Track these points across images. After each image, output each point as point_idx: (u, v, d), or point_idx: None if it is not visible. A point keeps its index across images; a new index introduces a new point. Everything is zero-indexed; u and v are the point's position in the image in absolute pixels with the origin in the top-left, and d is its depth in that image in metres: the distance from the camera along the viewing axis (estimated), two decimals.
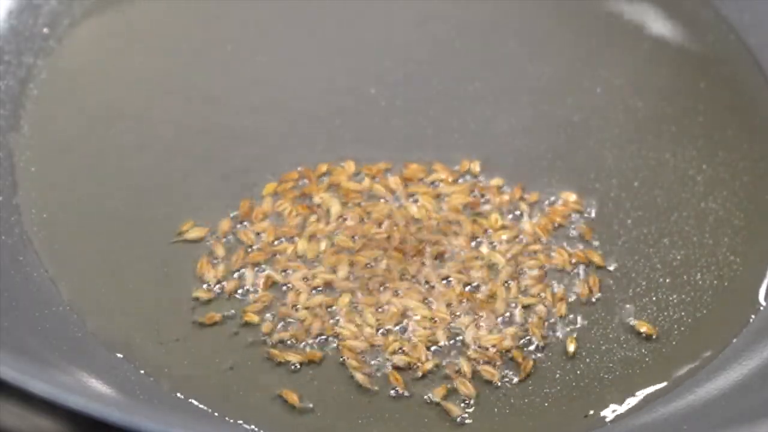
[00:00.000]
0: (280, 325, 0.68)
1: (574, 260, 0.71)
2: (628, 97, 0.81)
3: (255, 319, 0.69)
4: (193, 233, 0.72)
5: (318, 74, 0.82)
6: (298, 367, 0.67)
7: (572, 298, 0.70)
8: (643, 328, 0.69)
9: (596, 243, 0.73)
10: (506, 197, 0.74)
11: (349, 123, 0.79)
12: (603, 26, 0.85)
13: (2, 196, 0.74)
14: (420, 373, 0.67)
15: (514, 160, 0.77)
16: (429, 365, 0.67)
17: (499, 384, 0.67)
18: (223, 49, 0.83)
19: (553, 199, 0.74)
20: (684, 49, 0.84)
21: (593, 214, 0.74)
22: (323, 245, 0.71)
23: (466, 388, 0.66)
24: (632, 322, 0.70)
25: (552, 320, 0.69)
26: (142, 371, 0.67)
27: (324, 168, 0.75)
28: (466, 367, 0.67)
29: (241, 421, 0.65)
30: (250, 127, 0.78)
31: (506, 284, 0.70)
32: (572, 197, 0.74)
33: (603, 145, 0.78)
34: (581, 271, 0.71)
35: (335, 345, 0.68)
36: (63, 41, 0.83)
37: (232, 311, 0.69)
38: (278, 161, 0.76)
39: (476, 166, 0.76)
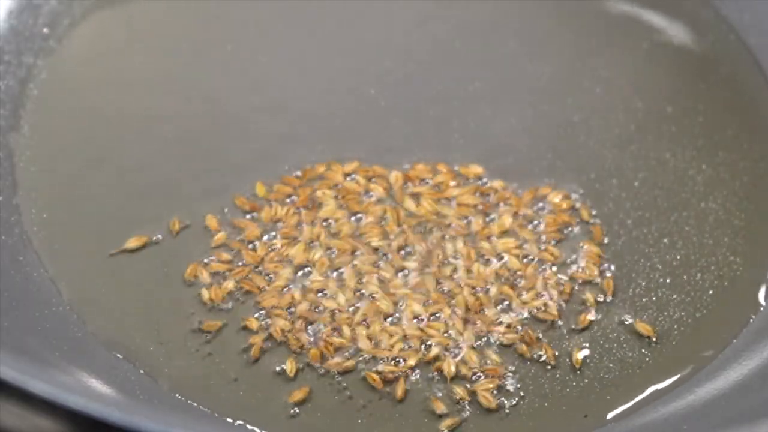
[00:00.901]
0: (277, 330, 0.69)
1: (602, 268, 0.72)
2: (628, 97, 0.81)
3: (254, 325, 0.69)
4: (132, 243, 0.72)
5: (318, 74, 0.82)
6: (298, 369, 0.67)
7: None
8: (644, 330, 0.69)
9: (605, 240, 0.73)
10: (514, 200, 0.74)
11: (349, 123, 0.79)
12: (603, 26, 0.85)
13: (2, 196, 0.74)
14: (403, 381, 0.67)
15: (514, 160, 0.77)
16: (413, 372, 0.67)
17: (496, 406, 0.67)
18: (223, 49, 0.83)
19: (556, 201, 0.74)
20: (684, 49, 0.84)
21: (594, 213, 0.74)
22: (317, 253, 0.71)
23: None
24: (632, 322, 0.69)
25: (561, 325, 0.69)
26: (142, 371, 0.67)
27: (321, 169, 0.75)
28: (462, 392, 0.67)
29: (240, 422, 0.65)
30: (251, 127, 0.78)
31: (518, 292, 0.70)
32: (559, 196, 0.74)
33: (603, 145, 0.78)
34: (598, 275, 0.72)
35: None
36: (63, 41, 0.83)
37: (232, 309, 0.69)
38: (278, 161, 0.76)
39: (478, 169, 0.75)
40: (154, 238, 0.72)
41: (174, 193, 0.75)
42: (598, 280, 0.71)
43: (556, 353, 0.68)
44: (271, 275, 0.70)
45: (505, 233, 0.72)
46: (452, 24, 0.85)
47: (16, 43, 0.82)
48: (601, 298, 0.70)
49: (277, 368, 0.67)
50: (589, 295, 0.70)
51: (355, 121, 0.79)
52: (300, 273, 0.71)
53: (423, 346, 0.68)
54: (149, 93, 0.80)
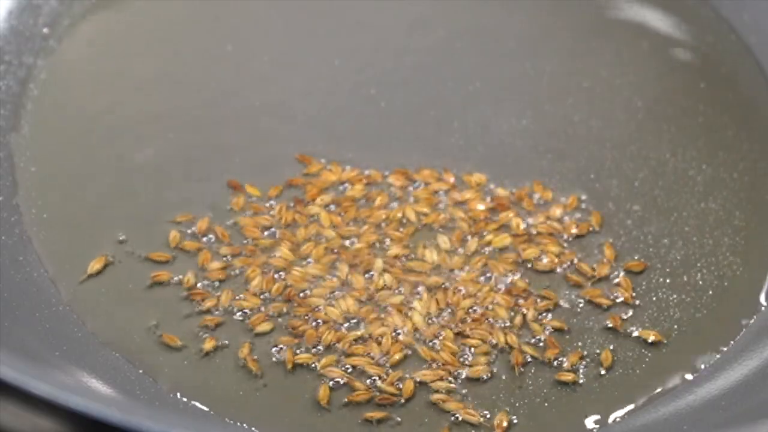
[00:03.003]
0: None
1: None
2: (628, 97, 0.81)
3: (266, 328, 0.69)
4: (96, 266, 0.71)
5: (318, 75, 0.82)
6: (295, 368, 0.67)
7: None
8: (650, 337, 0.69)
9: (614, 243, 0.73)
10: (526, 202, 0.74)
11: (350, 123, 0.79)
12: (603, 26, 0.85)
13: (2, 196, 0.74)
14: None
15: (514, 161, 0.77)
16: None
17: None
18: (223, 49, 0.83)
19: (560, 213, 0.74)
20: (684, 49, 0.84)
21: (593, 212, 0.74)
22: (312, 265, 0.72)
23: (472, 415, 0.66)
24: (636, 333, 0.69)
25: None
26: (142, 371, 0.67)
27: (315, 169, 0.75)
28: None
29: (240, 422, 0.65)
30: (250, 127, 0.78)
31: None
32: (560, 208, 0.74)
33: (603, 145, 0.78)
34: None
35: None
36: (63, 41, 0.83)
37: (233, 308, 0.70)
38: (278, 161, 0.76)
39: (482, 177, 0.75)
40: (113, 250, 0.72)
41: (174, 192, 0.75)
42: (628, 281, 0.71)
43: (583, 363, 0.68)
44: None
45: (517, 240, 0.72)
46: (452, 24, 0.85)
47: (16, 43, 0.82)
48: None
49: (278, 370, 0.67)
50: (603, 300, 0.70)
51: (356, 121, 0.79)
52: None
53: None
54: (149, 93, 0.80)
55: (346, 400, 0.66)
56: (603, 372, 0.67)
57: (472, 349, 0.68)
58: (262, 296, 0.69)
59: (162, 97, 0.80)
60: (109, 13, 0.85)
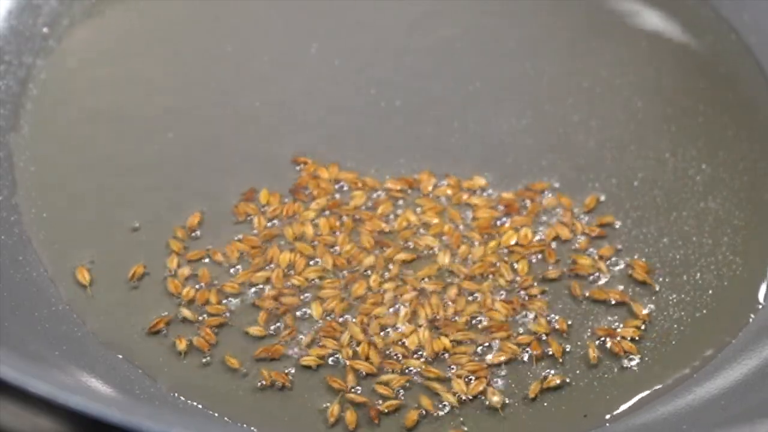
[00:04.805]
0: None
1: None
2: (628, 97, 0.81)
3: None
4: (81, 276, 0.71)
5: (318, 74, 0.82)
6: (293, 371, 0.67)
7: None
8: (628, 335, 0.69)
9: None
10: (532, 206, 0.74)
11: (350, 123, 0.79)
12: (603, 26, 0.85)
13: (2, 196, 0.74)
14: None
15: (514, 161, 0.77)
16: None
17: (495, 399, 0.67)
18: (223, 50, 0.83)
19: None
20: (684, 49, 0.84)
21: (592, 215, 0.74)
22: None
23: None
24: (615, 327, 0.69)
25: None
26: (142, 371, 0.67)
27: (311, 170, 0.75)
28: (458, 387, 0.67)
29: (240, 422, 0.65)
30: (250, 128, 0.78)
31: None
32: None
33: (603, 145, 0.78)
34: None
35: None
36: (63, 41, 0.83)
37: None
38: (277, 162, 0.76)
39: (482, 181, 0.75)
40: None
41: (173, 193, 0.75)
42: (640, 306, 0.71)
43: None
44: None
45: (528, 244, 0.72)
46: (452, 24, 0.85)
47: (16, 43, 0.82)
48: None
49: (277, 370, 0.67)
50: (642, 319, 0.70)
51: (356, 121, 0.79)
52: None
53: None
54: (149, 93, 0.80)
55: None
56: (621, 366, 0.68)
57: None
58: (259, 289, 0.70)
59: (162, 97, 0.80)
60: (109, 12, 0.85)
